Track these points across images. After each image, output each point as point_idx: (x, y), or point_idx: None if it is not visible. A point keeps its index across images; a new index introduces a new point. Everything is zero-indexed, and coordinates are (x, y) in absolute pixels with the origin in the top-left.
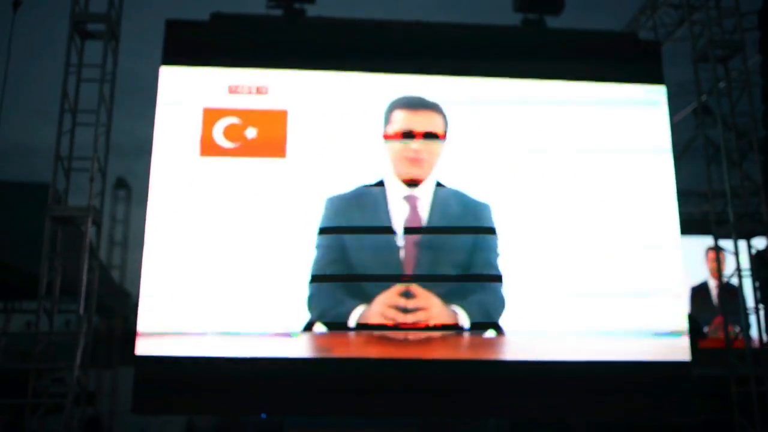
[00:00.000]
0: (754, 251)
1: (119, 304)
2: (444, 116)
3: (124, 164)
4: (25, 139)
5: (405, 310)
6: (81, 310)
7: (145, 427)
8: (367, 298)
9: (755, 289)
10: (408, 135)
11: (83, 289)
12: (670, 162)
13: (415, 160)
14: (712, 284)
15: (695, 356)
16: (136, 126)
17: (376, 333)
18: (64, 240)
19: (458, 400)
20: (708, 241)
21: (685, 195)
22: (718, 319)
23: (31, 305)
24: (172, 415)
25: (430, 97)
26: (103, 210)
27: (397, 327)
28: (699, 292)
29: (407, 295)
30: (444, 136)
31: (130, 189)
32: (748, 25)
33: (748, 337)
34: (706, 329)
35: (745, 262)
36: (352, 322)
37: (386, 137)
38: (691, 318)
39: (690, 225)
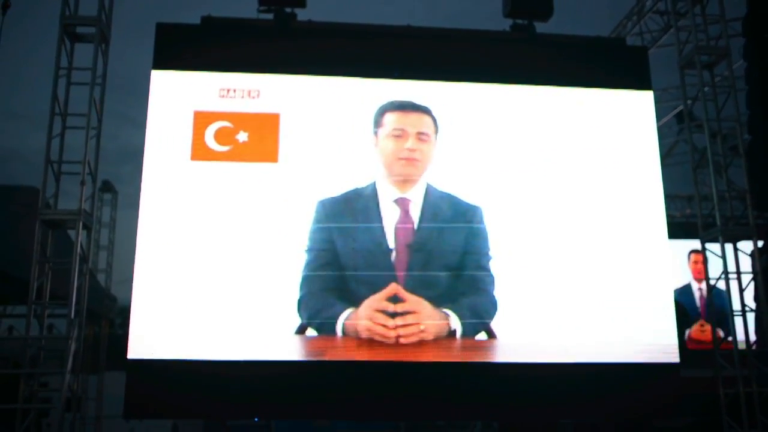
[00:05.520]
0: (749, 252)
1: (105, 309)
2: (434, 119)
3: (108, 168)
4: (8, 143)
5: (393, 314)
6: (72, 315)
7: (130, 431)
8: (358, 302)
9: (740, 290)
10: (401, 135)
11: (74, 293)
12: (657, 167)
13: (409, 160)
14: (695, 286)
15: (683, 354)
16: (121, 130)
17: (366, 336)
18: (52, 244)
19: (450, 402)
20: (690, 243)
21: (668, 198)
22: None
23: (15, 310)
24: (162, 420)
25: (420, 101)
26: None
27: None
28: (682, 294)
29: (395, 299)
30: (435, 138)
31: (116, 192)
32: (733, 31)
33: (736, 339)
34: (687, 332)
35: (732, 266)
36: (339, 325)
37: (378, 139)
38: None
39: (673, 228)
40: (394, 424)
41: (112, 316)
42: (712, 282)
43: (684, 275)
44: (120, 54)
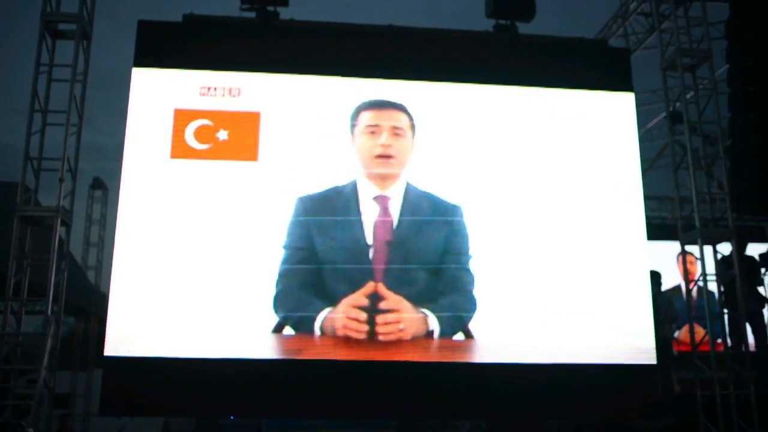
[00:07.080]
0: (719, 256)
1: (95, 306)
2: (409, 115)
3: (103, 165)
4: (7, 139)
5: (372, 312)
6: (49, 312)
7: (121, 429)
8: (336, 299)
9: (720, 293)
10: (375, 131)
11: (51, 290)
12: (637, 169)
13: (384, 157)
14: (684, 288)
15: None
16: (118, 127)
17: (342, 334)
18: (34, 241)
19: (429, 402)
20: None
21: (659, 200)
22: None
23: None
24: (141, 417)
25: (400, 101)
26: (73, 210)
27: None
28: (672, 296)
29: (374, 297)
30: (412, 134)
31: (107, 189)
32: (716, 34)
33: (713, 341)
34: (677, 333)
35: (710, 268)
36: (317, 323)
37: (355, 137)
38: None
39: (664, 229)
40: (384, 422)
41: (102, 313)
42: (692, 284)
43: (675, 277)
44: (118, 50)
